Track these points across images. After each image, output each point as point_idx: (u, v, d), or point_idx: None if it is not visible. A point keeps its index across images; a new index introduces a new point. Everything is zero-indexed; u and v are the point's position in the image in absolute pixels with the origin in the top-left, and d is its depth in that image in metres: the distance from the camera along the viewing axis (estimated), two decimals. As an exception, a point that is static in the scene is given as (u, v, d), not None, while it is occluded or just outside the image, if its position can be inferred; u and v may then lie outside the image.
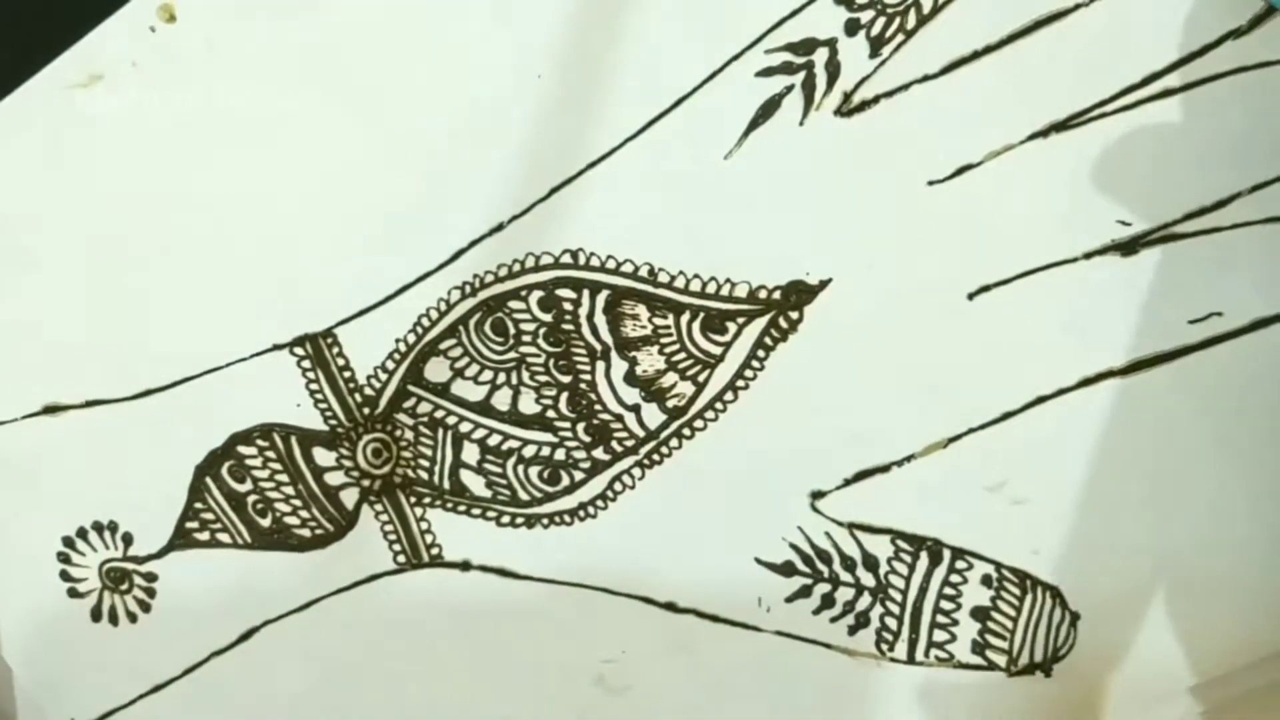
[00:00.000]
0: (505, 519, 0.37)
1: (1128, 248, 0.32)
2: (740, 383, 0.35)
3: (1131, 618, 0.34)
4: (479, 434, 0.36)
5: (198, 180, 0.35)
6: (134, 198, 0.35)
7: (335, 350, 0.35)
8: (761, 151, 0.33)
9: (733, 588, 0.36)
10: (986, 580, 0.35)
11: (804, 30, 0.32)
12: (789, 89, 0.32)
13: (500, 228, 0.34)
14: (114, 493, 0.38)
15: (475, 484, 0.36)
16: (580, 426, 0.36)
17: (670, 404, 0.35)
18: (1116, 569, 0.34)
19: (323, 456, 0.36)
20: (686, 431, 0.35)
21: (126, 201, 0.35)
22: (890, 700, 0.36)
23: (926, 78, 0.32)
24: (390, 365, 0.36)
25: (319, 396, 0.36)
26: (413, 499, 0.37)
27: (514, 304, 0.35)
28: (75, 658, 0.39)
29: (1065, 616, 0.35)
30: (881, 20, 0.32)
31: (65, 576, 0.39)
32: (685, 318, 0.34)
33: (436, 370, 0.35)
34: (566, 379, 0.35)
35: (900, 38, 0.32)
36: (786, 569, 0.36)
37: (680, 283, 0.34)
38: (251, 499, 0.37)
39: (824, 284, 0.34)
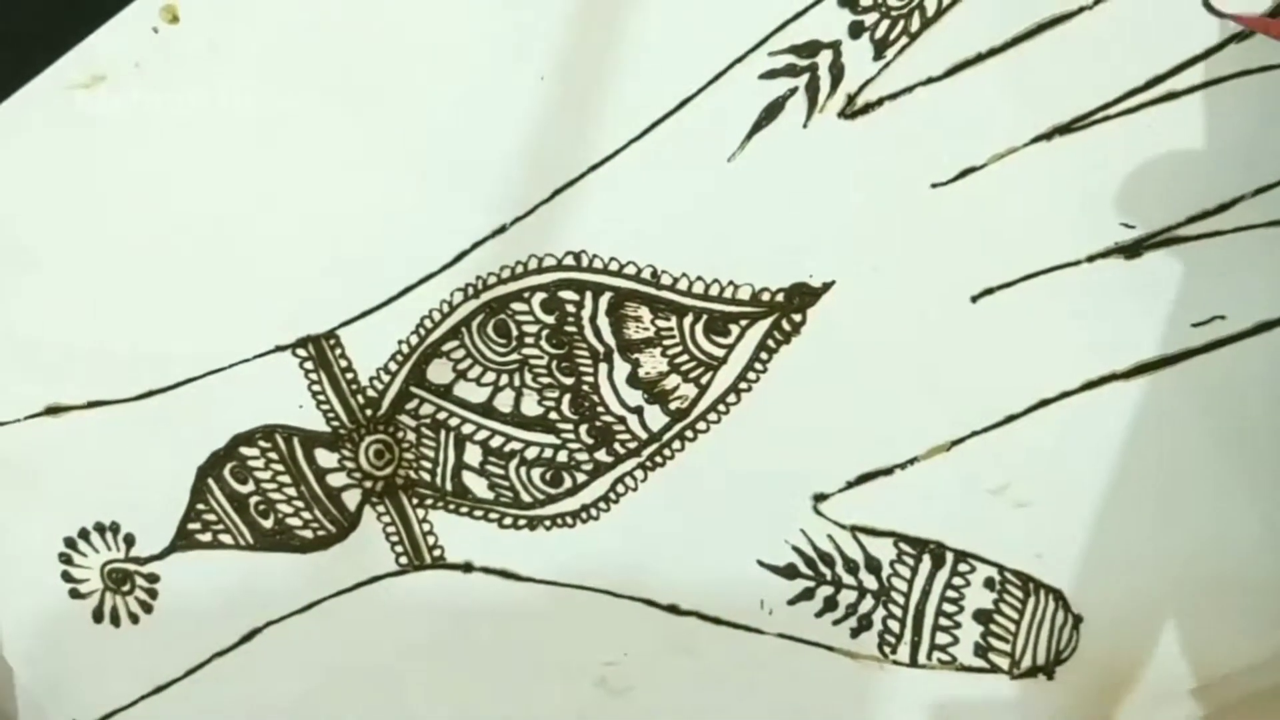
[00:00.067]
0: (507, 521, 0.37)
1: (1131, 250, 0.32)
2: (743, 385, 0.35)
3: (1134, 620, 0.34)
4: (481, 435, 0.36)
5: (200, 181, 0.35)
6: (136, 198, 0.35)
7: (338, 351, 0.35)
8: (765, 154, 0.33)
9: (735, 590, 0.36)
10: (989, 583, 0.35)
11: (808, 33, 0.32)
12: (793, 91, 0.32)
13: (503, 229, 0.34)
14: (116, 493, 0.38)
15: (478, 486, 0.36)
16: (583, 428, 0.36)
17: (673, 406, 0.35)
18: (1119, 572, 0.34)
19: (325, 458, 0.36)
20: (689, 434, 0.35)
21: (128, 202, 0.35)
22: (893, 703, 0.36)
23: (930, 80, 0.32)
24: (393, 367, 0.36)
25: (321, 398, 0.36)
26: (415, 500, 0.37)
27: (517, 306, 0.35)
28: (77, 658, 0.39)
29: (1068, 619, 0.35)
30: (885, 23, 0.32)
31: (67, 577, 0.39)
32: (688, 320, 0.34)
33: (439, 372, 0.35)
34: (569, 381, 0.35)
35: (904, 40, 0.32)
36: (789, 571, 0.36)
37: (683, 285, 0.34)
38: (254, 500, 0.37)
39: (827, 286, 0.34)
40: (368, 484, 0.37)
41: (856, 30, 0.32)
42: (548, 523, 0.36)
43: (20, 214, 0.35)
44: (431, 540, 0.37)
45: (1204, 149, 0.31)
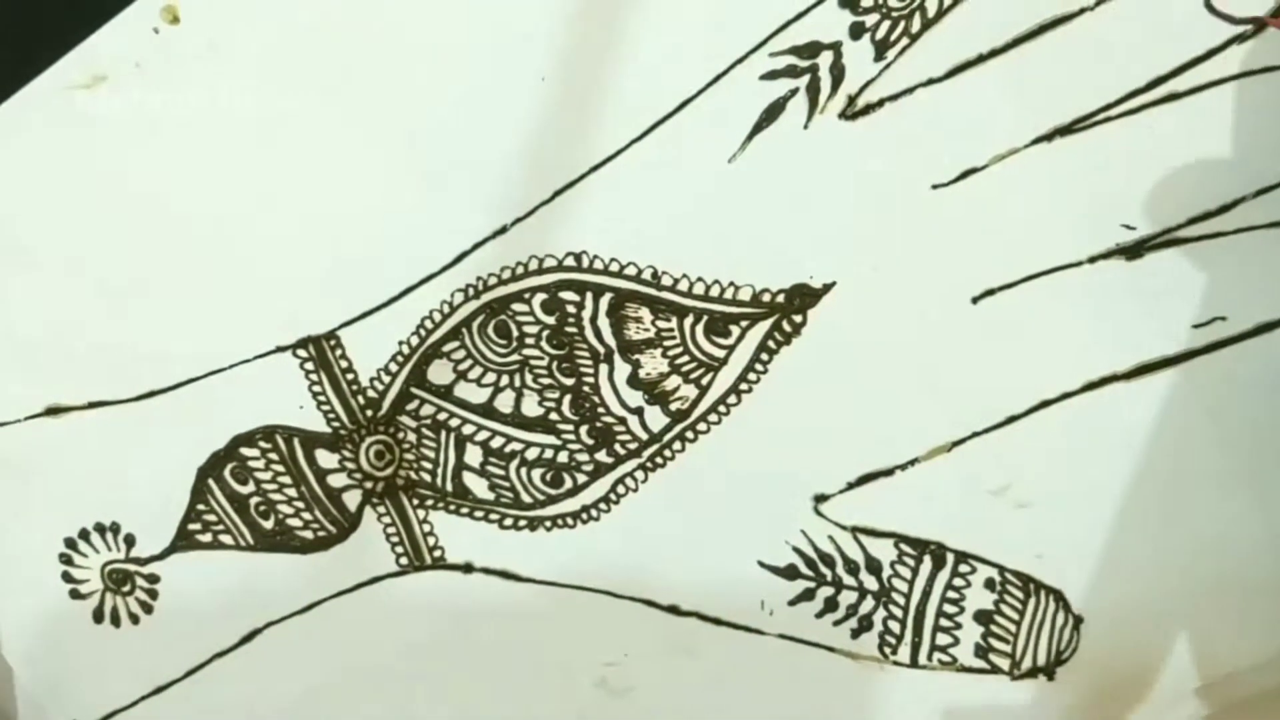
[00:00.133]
0: (508, 521, 0.37)
1: (1132, 252, 0.32)
2: (744, 386, 0.35)
3: (1136, 621, 0.34)
4: (482, 436, 0.36)
5: (201, 181, 0.35)
6: (136, 198, 0.35)
7: (338, 352, 0.35)
8: (766, 155, 0.33)
9: (735, 590, 0.36)
10: (990, 584, 0.35)
11: (809, 33, 0.32)
12: (793, 92, 0.32)
13: (504, 230, 0.34)
14: (116, 494, 0.38)
15: (478, 486, 0.36)
16: (583, 429, 0.36)
17: (673, 407, 0.35)
18: (1120, 573, 0.34)
19: (325, 458, 0.36)
20: (690, 434, 0.35)
21: (129, 202, 0.35)
22: (893, 704, 0.36)
23: (931, 81, 0.32)
24: (393, 367, 0.36)
25: (322, 398, 0.36)
26: (415, 501, 0.37)
27: (517, 306, 0.35)
28: (77, 659, 0.39)
29: (1068, 620, 0.35)
30: (886, 24, 0.32)
31: (67, 578, 0.39)
32: (689, 321, 0.34)
33: (439, 372, 0.35)
34: (569, 381, 0.35)
35: (905, 41, 0.32)
36: (789, 572, 0.36)
37: (684, 286, 0.34)
38: (254, 501, 0.37)
39: (828, 287, 0.34)
40: (368, 485, 0.37)
41: (857, 31, 0.32)
42: (548, 523, 0.36)
43: (20, 214, 0.35)
44: (432, 541, 0.37)
45: (1205, 150, 0.31)
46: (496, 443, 0.36)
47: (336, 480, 0.37)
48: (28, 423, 0.37)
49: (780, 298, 0.34)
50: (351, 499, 0.37)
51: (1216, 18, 0.30)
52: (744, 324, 0.34)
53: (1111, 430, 0.33)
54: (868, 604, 0.35)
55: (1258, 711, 0.34)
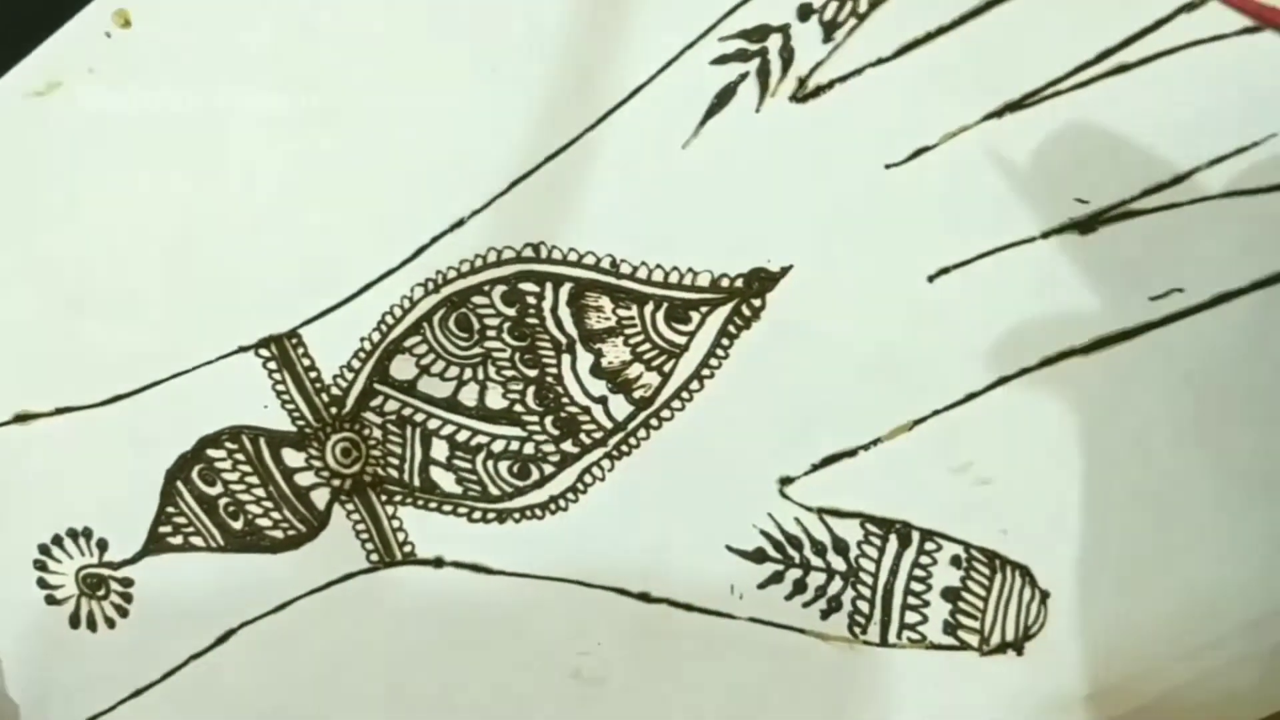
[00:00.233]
0: (477, 515, 0.37)
1: (1086, 226, 0.32)
2: (705, 371, 0.35)
3: (1102, 593, 0.34)
4: (447, 430, 0.36)
5: (158, 183, 0.35)
6: (95, 203, 0.35)
7: (300, 351, 0.35)
8: (719, 139, 0.33)
9: (705, 576, 0.36)
10: (956, 561, 0.35)
11: (757, 17, 0.32)
12: (744, 76, 0.32)
13: (461, 223, 0.34)
14: (87, 499, 0.38)
15: (445, 480, 0.36)
16: (548, 420, 0.36)
17: (637, 395, 0.35)
18: (1084, 546, 0.34)
19: (292, 457, 0.36)
20: (654, 422, 0.35)
21: (89, 206, 0.35)
22: (864, 683, 0.36)
23: (880, 61, 0.32)
24: (356, 364, 0.36)
25: (286, 397, 0.36)
26: (384, 497, 0.37)
27: (477, 299, 0.35)
28: (55, 664, 0.39)
29: (1035, 595, 0.35)
30: (834, 4, 0.32)
31: (42, 584, 0.39)
32: (649, 308, 0.34)
33: (402, 368, 0.35)
34: (533, 373, 0.35)
35: (853, 21, 0.32)
36: (757, 556, 0.36)
37: (642, 273, 0.34)
38: (223, 501, 0.37)
39: (785, 270, 0.34)
40: (336, 482, 0.37)
41: (805, 13, 0.32)
42: (517, 515, 0.36)
43: (-22, 222, 0.35)
44: (402, 536, 0.37)
45: (1157, 121, 0.31)
46: (462, 436, 0.36)
47: (304, 479, 0.37)
48: (-4, 430, 0.37)
49: (739, 282, 0.34)
50: (320, 497, 0.37)
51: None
52: (704, 310, 0.34)
53: (1071, 404, 0.33)
54: (836, 585, 0.35)
55: (1233, 677, 0.34)
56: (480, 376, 0.35)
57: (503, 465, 0.36)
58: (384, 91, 0.33)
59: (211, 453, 0.37)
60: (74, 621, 0.39)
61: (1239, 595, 0.34)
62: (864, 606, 0.36)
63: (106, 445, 0.37)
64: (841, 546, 0.35)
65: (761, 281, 0.34)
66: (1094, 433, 0.33)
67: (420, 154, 0.34)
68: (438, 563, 0.37)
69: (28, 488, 0.38)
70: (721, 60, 0.32)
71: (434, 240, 0.34)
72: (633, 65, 0.33)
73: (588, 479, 0.36)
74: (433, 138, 0.33)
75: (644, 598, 0.36)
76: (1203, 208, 0.32)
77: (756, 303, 0.34)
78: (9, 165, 0.35)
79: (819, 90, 0.32)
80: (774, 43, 0.32)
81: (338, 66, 0.33)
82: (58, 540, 0.38)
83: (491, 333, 0.35)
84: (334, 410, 0.36)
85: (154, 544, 0.38)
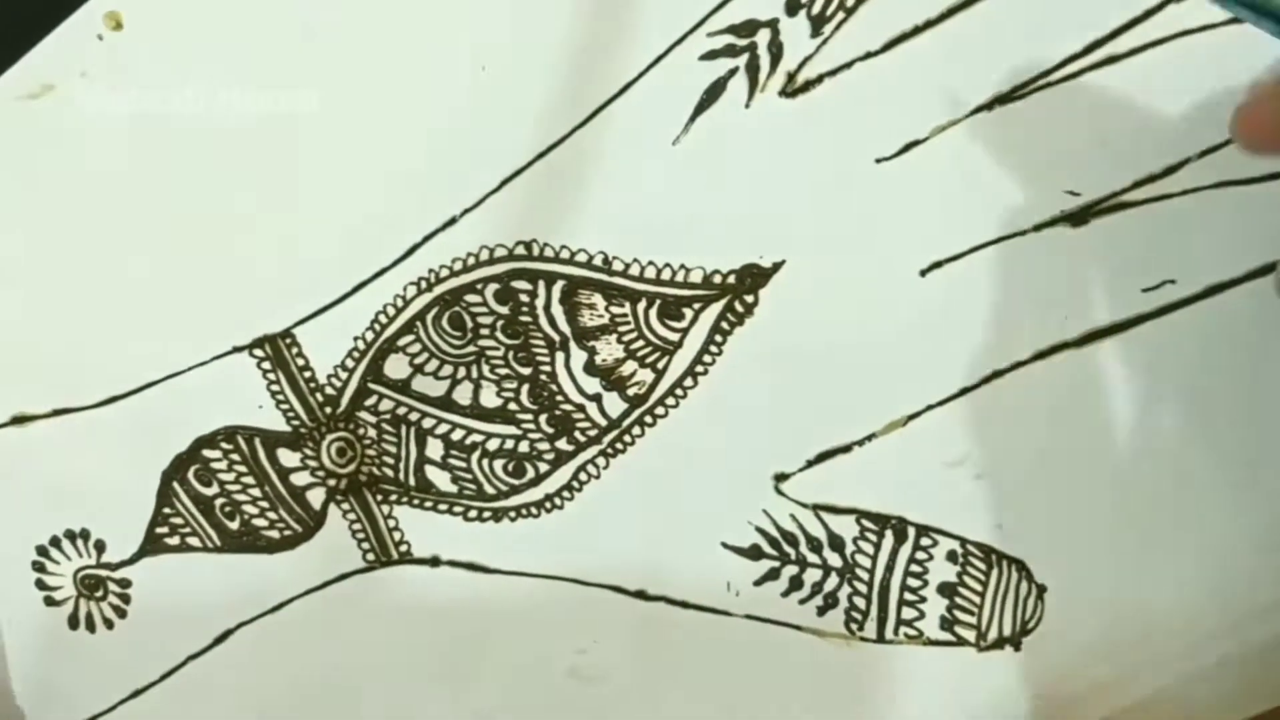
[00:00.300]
0: (472, 513, 0.37)
1: (1078, 218, 0.32)
2: (699, 368, 0.35)
3: (1099, 587, 0.34)
4: (442, 429, 0.36)
5: (152, 185, 0.35)
6: (90, 205, 0.35)
7: (294, 350, 0.36)
8: (709, 135, 0.33)
9: (701, 573, 0.36)
10: (952, 556, 0.35)
11: (745, 11, 0.32)
12: (733, 72, 0.32)
13: (453, 221, 0.34)
14: (85, 500, 0.38)
15: (441, 479, 0.36)
16: (543, 418, 0.36)
17: (631, 392, 0.35)
18: (1080, 539, 0.34)
19: (287, 457, 0.37)
20: (648, 419, 0.35)
21: (83, 209, 0.35)
22: (861, 679, 0.36)
23: (869, 55, 0.32)
24: (350, 364, 0.36)
25: (280, 397, 0.36)
26: (379, 497, 0.37)
27: (470, 298, 0.35)
28: (54, 665, 0.39)
29: (1032, 589, 0.34)
30: (822, -1, 0.32)
31: (41, 585, 0.39)
32: (642, 305, 0.34)
33: (396, 367, 0.36)
34: (526, 371, 0.35)
35: (841, 16, 0.31)
36: (753, 552, 0.36)
37: (635, 270, 0.34)
38: (219, 502, 0.37)
39: (777, 266, 0.33)
40: (331, 482, 0.37)
41: (793, 7, 0.32)
42: (512, 514, 0.36)
43: (-27, 225, 0.35)
44: (398, 536, 0.37)
45: (1147, 112, 0.31)
46: (457, 435, 0.36)
47: (299, 479, 0.37)
48: (-7, 432, 0.37)
49: (731, 278, 0.34)
50: (315, 497, 0.37)
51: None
52: (696, 306, 0.34)
53: (1064, 397, 0.33)
54: (832, 581, 0.35)
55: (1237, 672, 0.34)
56: (474, 375, 0.35)
57: (498, 464, 0.36)
58: (374, 91, 0.33)
59: (207, 453, 0.37)
60: (73, 622, 0.39)
61: (1236, 590, 0.33)
62: (860, 603, 0.35)
63: (104, 446, 0.37)
64: (837, 543, 0.35)
65: (754, 277, 0.34)
66: (1089, 425, 0.33)
67: (412, 153, 0.34)
68: (434, 562, 0.37)
69: (26, 489, 0.38)
70: (710, 56, 0.32)
71: (426, 239, 0.34)
72: (622, 62, 0.33)
73: (583, 477, 0.36)
74: (424, 137, 0.33)
75: (640, 595, 0.36)
76: (1194, 199, 0.32)
77: (749, 299, 0.34)
78: (3, 168, 0.35)
79: (808, 85, 0.32)
80: (762, 37, 0.32)
81: (328, 66, 0.33)
82: (56, 542, 0.38)
83: (485, 331, 0.35)
84: (329, 410, 0.36)
85: (151, 545, 0.38)
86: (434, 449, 0.36)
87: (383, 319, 0.35)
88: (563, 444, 0.36)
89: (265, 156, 0.34)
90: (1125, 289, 0.32)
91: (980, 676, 0.35)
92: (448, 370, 0.35)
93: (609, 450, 0.36)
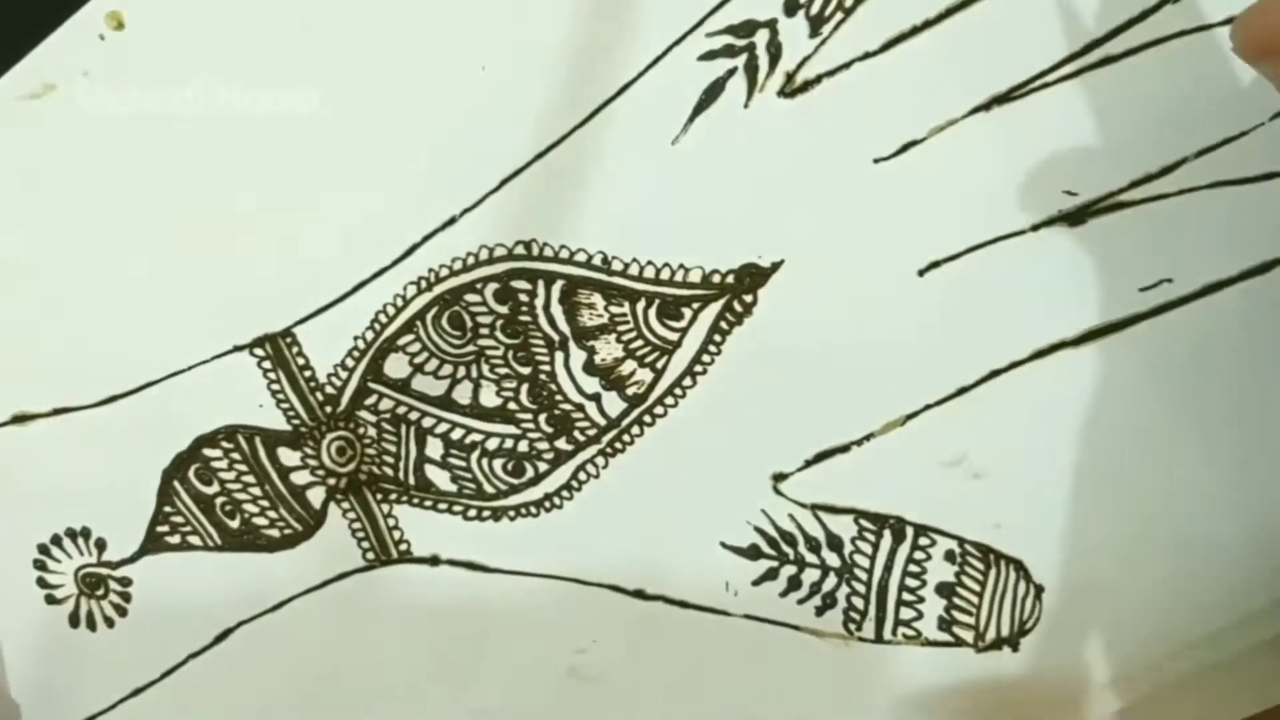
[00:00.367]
0: (472, 513, 0.37)
1: (1075, 218, 0.32)
2: (698, 368, 0.35)
3: (1097, 587, 0.34)
4: (442, 429, 0.36)
5: (154, 184, 0.35)
6: (91, 204, 0.35)
7: (295, 350, 0.36)
8: (708, 135, 0.33)
9: (699, 573, 0.36)
10: (950, 556, 0.35)
11: (744, 12, 0.32)
12: (732, 72, 0.32)
13: (452, 221, 0.34)
14: (86, 498, 0.38)
15: (440, 479, 0.37)
16: (542, 417, 0.36)
17: (630, 391, 0.35)
18: (1078, 539, 0.34)
19: (287, 456, 0.37)
20: (647, 419, 0.35)
21: (83, 208, 0.35)
22: (859, 680, 0.36)
23: (867, 55, 0.32)
24: (350, 363, 0.36)
25: (281, 396, 0.36)
26: (379, 496, 0.37)
27: (470, 297, 0.35)
28: (55, 663, 0.39)
29: (1030, 590, 0.35)
30: (821, -1, 0.32)
31: (42, 583, 0.39)
32: (641, 305, 0.34)
33: (396, 366, 0.36)
34: (526, 370, 0.35)
35: (839, 16, 0.32)
36: (752, 552, 0.36)
37: (634, 270, 0.34)
38: (219, 501, 0.37)
39: (776, 266, 0.34)
40: (331, 481, 0.37)
41: (792, 8, 0.32)
42: (512, 513, 0.37)
43: (-25, 224, 0.35)
44: (398, 535, 0.37)
45: (1144, 112, 0.31)
46: (456, 434, 0.36)
47: (299, 478, 0.37)
48: (-6, 431, 0.37)
49: (730, 278, 0.34)
50: (315, 496, 0.37)
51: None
52: (695, 306, 0.34)
53: (1062, 396, 0.33)
54: (830, 581, 0.35)
55: (1231, 673, 0.34)
56: (474, 374, 0.35)
57: (497, 463, 0.36)
58: (374, 91, 0.33)
59: (208, 452, 0.37)
60: (73, 621, 0.39)
61: (1234, 589, 0.33)
62: (859, 603, 0.35)
63: (104, 445, 0.37)
64: (836, 542, 0.35)
65: (753, 277, 0.34)
66: (1086, 425, 0.33)
67: (411, 152, 0.34)
68: (434, 561, 0.37)
69: (26, 488, 0.38)
70: (709, 56, 0.32)
71: (426, 238, 0.34)
72: (621, 62, 0.33)
73: (582, 476, 0.36)
74: (423, 136, 0.34)
75: (639, 595, 0.36)
76: (1191, 198, 0.32)
77: (748, 298, 0.34)
78: (4, 169, 0.35)
79: (807, 85, 0.32)
80: (761, 38, 0.32)
81: (328, 66, 0.33)
82: (57, 540, 0.38)
83: (484, 330, 0.35)
84: (329, 409, 0.36)
85: (152, 543, 0.38)
86: (434, 448, 0.36)
87: (383, 318, 0.35)
88: (562, 443, 0.36)
89: (265, 156, 0.34)
90: (1123, 288, 0.32)
91: (978, 677, 0.35)
92: (447, 370, 0.36)
93: (608, 450, 0.36)
